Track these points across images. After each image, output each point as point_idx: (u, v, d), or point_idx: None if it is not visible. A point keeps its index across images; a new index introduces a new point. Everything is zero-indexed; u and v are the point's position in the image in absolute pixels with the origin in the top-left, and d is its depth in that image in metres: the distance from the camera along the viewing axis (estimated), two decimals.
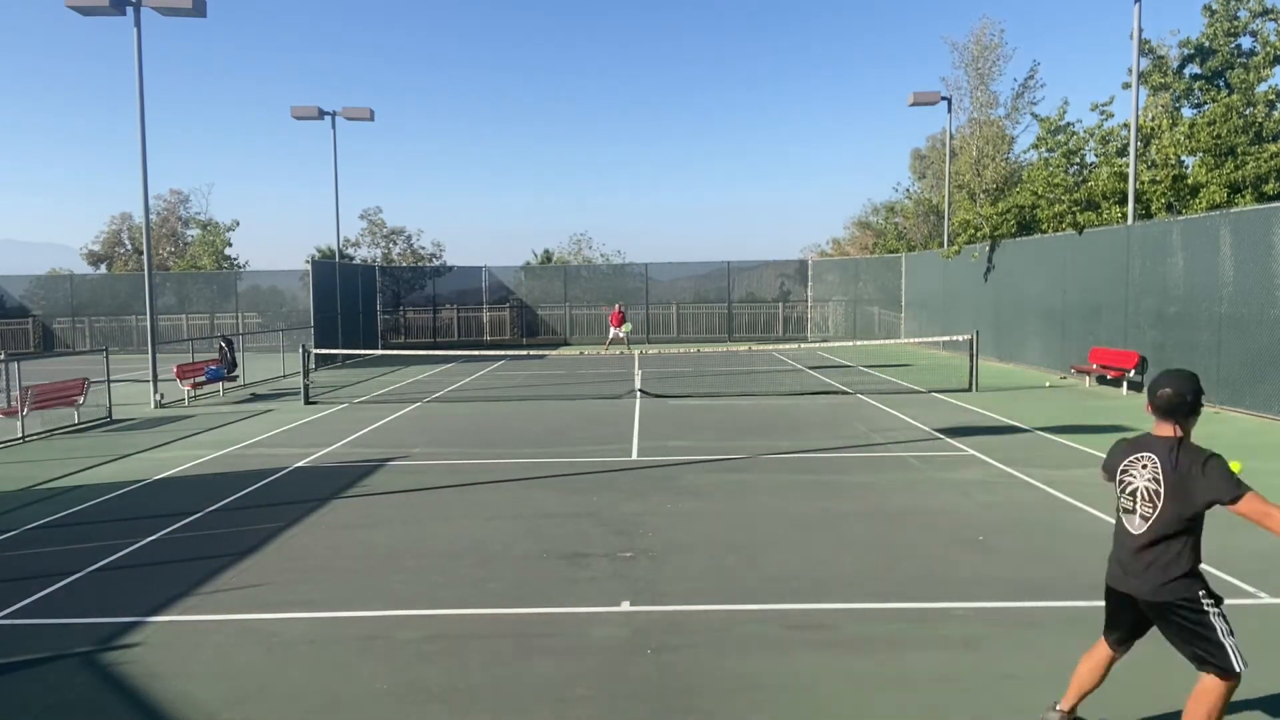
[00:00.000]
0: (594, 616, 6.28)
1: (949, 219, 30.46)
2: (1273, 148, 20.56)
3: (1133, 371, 17.97)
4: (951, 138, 32.00)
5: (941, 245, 31.01)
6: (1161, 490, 4.02)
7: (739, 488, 10.24)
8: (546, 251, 48.87)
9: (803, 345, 30.76)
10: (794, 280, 40.24)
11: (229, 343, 22.06)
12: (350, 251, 45.80)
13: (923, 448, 12.52)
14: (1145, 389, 4.42)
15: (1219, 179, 20.63)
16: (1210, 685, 4.09)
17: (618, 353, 27.34)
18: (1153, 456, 4.09)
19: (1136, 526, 4.12)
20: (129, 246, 49.42)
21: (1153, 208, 21.74)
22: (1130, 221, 19.50)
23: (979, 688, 5.13)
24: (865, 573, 7.17)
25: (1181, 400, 4.05)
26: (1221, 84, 22.95)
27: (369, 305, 35.45)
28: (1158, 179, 21.97)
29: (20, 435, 14.65)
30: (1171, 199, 21.79)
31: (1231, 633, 4.05)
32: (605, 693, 5.13)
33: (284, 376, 24.23)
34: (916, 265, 33.80)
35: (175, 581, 7.19)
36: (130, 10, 17.94)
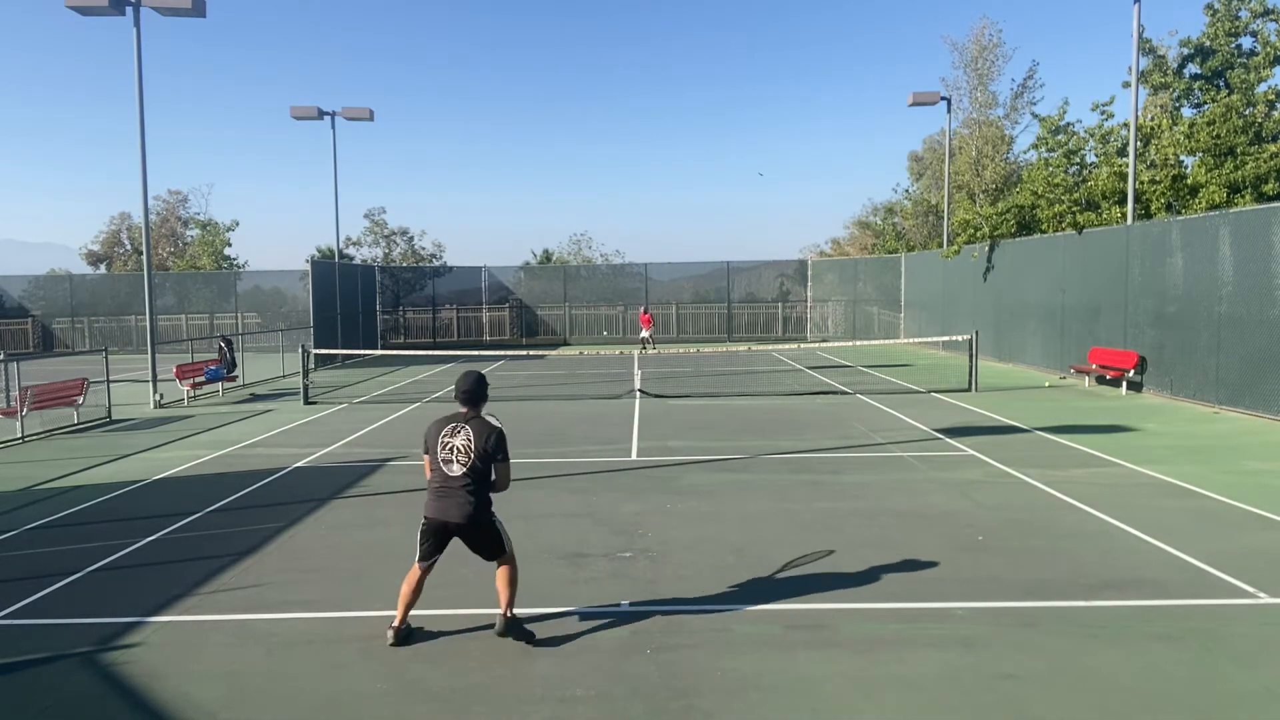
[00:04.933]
0: (594, 616, 6.28)
1: (948, 219, 30.47)
2: (1272, 148, 20.58)
3: (1132, 371, 17.97)
4: (951, 138, 31.99)
5: (941, 245, 31.02)
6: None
7: (739, 488, 10.24)
8: (546, 251, 48.89)
9: (802, 345, 30.76)
10: (793, 280, 40.25)
11: (228, 343, 22.06)
12: (350, 251, 45.83)
13: (923, 448, 12.52)
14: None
15: (1219, 179, 20.64)
16: (506, 565, 5.94)
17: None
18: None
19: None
20: (128, 246, 49.40)
21: (1152, 208, 21.75)
22: (1130, 221, 19.51)
23: (979, 688, 5.13)
24: (865, 573, 7.17)
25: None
26: (1221, 84, 22.97)
27: (369, 305, 35.44)
28: (1157, 179, 21.99)
29: (20, 435, 14.64)
30: (1171, 199, 21.81)
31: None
32: (605, 693, 5.13)
33: (283, 376, 24.22)
34: (916, 265, 33.80)
35: (175, 581, 7.19)
36: (130, 10, 17.94)
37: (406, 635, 5.89)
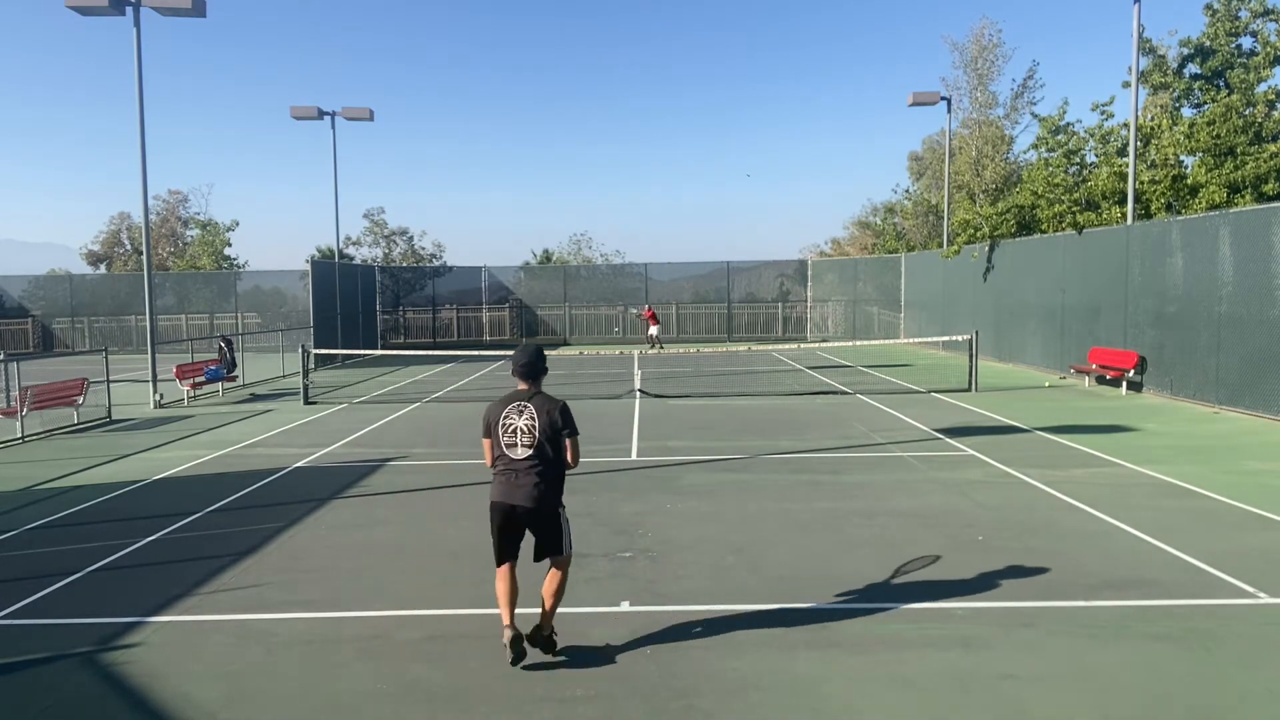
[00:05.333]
0: (594, 616, 6.28)
1: (948, 219, 30.47)
2: (1272, 148, 20.58)
3: (1132, 371, 17.97)
4: (951, 138, 31.99)
5: (941, 245, 31.02)
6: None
7: (739, 488, 10.24)
8: (546, 251, 48.91)
9: (802, 345, 30.75)
10: (793, 280, 40.25)
11: (228, 343, 22.06)
12: (351, 251, 45.83)
13: (923, 448, 12.52)
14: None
15: (1218, 179, 20.64)
16: (560, 568, 5.60)
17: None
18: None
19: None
20: (128, 246, 49.40)
21: (1152, 208, 21.75)
22: (1130, 221, 19.51)
23: (979, 688, 5.13)
24: (865, 573, 7.17)
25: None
26: (1221, 84, 22.97)
27: (369, 305, 35.45)
28: (1157, 179, 21.99)
29: (20, 435, 14.64)
30: (1171, 199, 21.81)
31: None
32: (605, 693, 5.13)
33: (283, 376, 24.22)
34: (916, 265, 33.80)
35: (175, 581, 7.19)
36: (130, 10, 17.94)
37: (520, 636, 5.39)
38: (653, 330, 33.71)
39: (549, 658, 5.56)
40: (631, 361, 21.38)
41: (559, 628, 6.07)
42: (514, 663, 5.34)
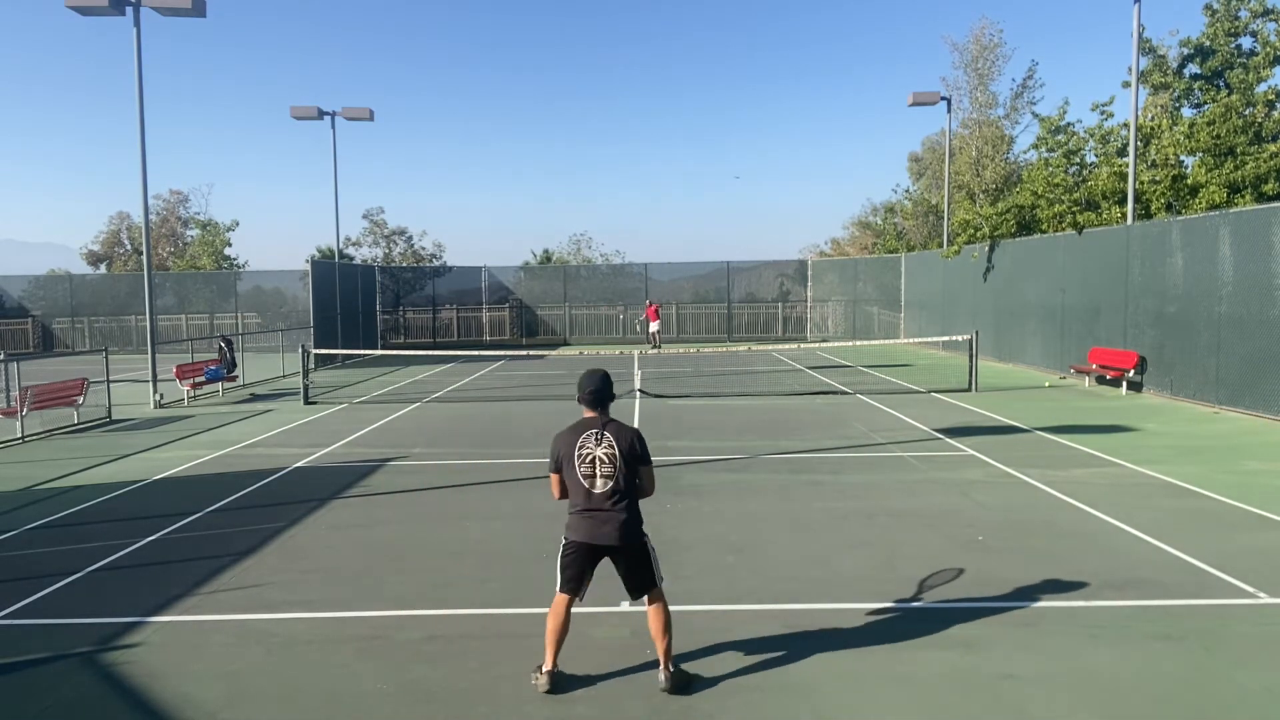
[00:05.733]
0: (594, 616, 6.28)
1: (948, 219, 30.47)
2: (1272, 148, 20.58)
3: (1132, 371, 17.97)
4: (951, 138, 31.99)
5: (941, 245, 31.02)
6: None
7: (739, 488, 10.24)
8: (546, 251, 48.92)
9: (802, 345, 30.76)
10: (793, 280, 40.25)
11: (228, 343, 22.06)
12: (351, 251, 45.83)
13: (923, 448, 12.52)
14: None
15: (1219, 179, 20.64)
16: (658, 601, 5.24)
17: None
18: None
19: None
20: (128, 246, 49.40)
21: (1152, 208, 21.74)
22: (1130, 221, 19.51)
23: (979, 688, 5.13)
24: (865, 573, 7.17)
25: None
26: (1221, 84, 22.96)
27: (369, 305, 35.45)
28: (1157, 179, 21.99)
29: (20, 435, 14.64)
30: (1171, 199, 21.80)
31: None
32: (605, 693, 5.13)
33: (283, 376, 24.22)
34: (916, 265, 33.80)
35: (175, 581, 7.19)
36: (130, 10, 17.94)
37: (559, 680, 5.16)
38: (653, 327, 33.65)
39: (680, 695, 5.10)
40: (632, 361, 21.38)
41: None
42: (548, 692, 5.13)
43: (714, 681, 5.25)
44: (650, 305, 34.78)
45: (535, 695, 5.12)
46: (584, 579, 5.23)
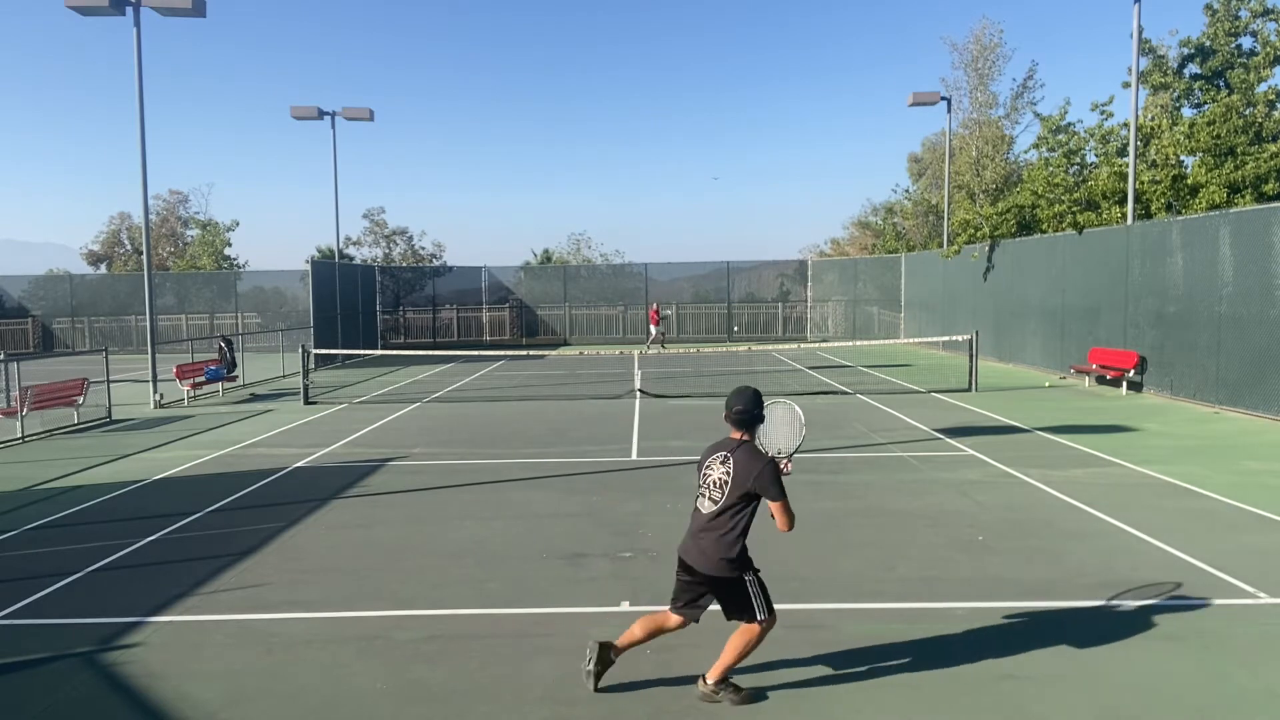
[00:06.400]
0: (594, 616, 6.28)
1: (948, 219, 30.47)
2: (1272, 148, 20.56)
3: (1132, 371, 17.97)
4: (950, 138, 31.99)
5: (941, 245, 31.02)
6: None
7: None
8: (546, 251, 48.93)
9: (802, 345, 30.75)
10: (793, 280, 40.25)
11: (228, 343, 22.05)
12: (351, 251, 45.84)
13: (923, 448, 12.52)
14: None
15: (1219, 179, 20.64)
16: (746, 626, 4.98)
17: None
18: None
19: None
20: (129, 246, 49.40)
21: (1153, 208, 21.74)
22: (1130, 221, 19.51)
23: (979, 688, 5.13)
24: (865, 573, 7.17)
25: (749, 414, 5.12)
26: (1221, 84, 22.96)
27: (369, 305, 35.45)
28: (1158, 179, 21.98)
29: (20, 435, 14.64)
30: (1171, 199, 21.80)
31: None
32: (605, 693, 5.13)
33: (283, 376, 24.22)
34: (916, 265, 33.80)
35: (175, 581, 7.18)
36: (130, 10, 17.94)
37: (606, 662, 5.07)
38: (655, 330, 33.65)
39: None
40: (631, 361, 21.38)
41: (559, 628, 6.07)
42: (591, 679, 5.04)
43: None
44: (653, 308, 34.72)
45: (535, 695, 5.12)
46: (686, 597, 5.02)
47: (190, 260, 45.71)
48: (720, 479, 4.93)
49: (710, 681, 4.98)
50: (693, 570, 4.94)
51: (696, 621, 5.08)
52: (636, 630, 5.11)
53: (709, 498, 4.95)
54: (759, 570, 5.05)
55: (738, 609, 4.95)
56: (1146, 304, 17.83)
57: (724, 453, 5.01)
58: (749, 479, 4.87)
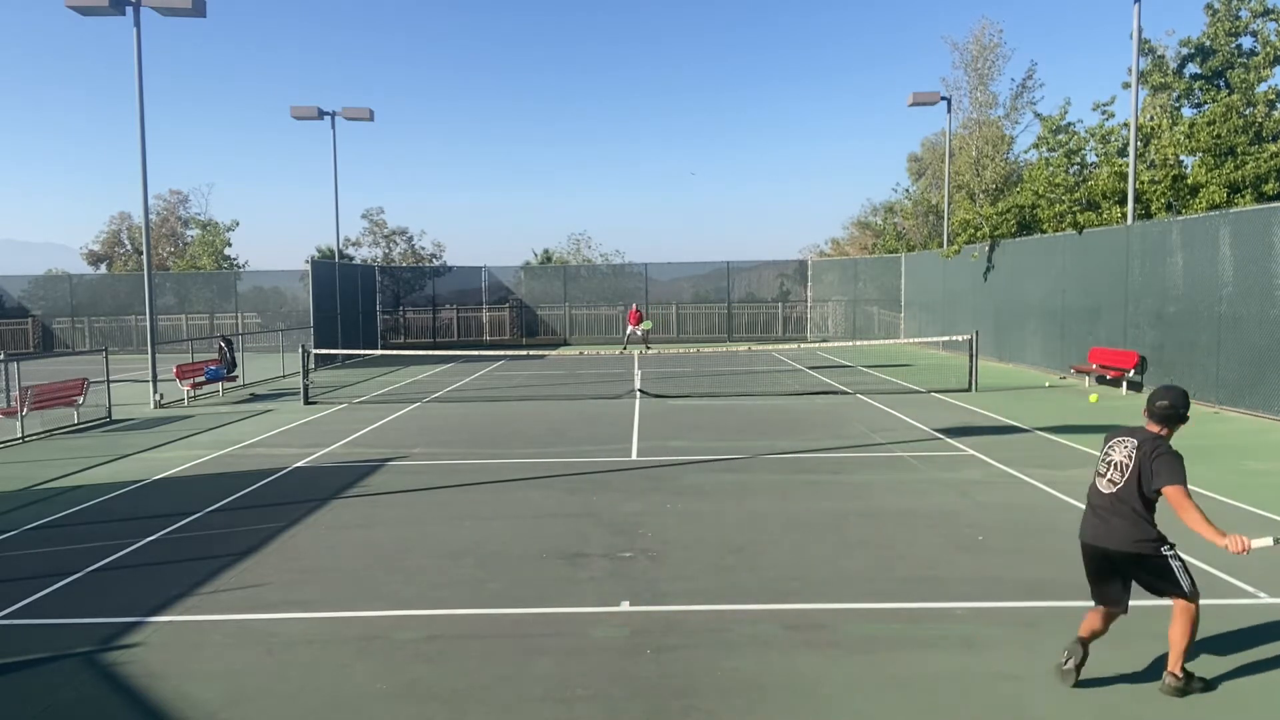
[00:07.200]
0: (594, 616, 6.28)
1: (948, 219, 30.47)
2: (1272, 148, 20.56)
3: (1132, 371, 17.96)
4: (950, 138, 31.99)
5: (941, 245, 31.02)
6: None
7: (739, 488, 10.24)
8: (546, 251, 48.91)
9: (802, 345, 30.75)
10: (793, 280, 40.24)
11: (228, 343, 22.05)
12: (351, 251, 45.83)
13: (923, 448, 12.52)
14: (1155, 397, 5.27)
15: (1219, 179, 20.64)
16: (1180, 607, 4.95)
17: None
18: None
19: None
20: (129, 246, 49.40)
21: (1153, 208, 21.74)
22: (1130, 221, 19.51)
23: (979, 688, 5.13)
24: (865, 573, 7.17)
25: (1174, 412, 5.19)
26: (1222, 84, 22.96)
27: (369, 305, 35.45)
28: (1158, 179, 21.98)
29: (20, 435, 14.64)
30: (1171, 199, 21.80)
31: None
32: (605, 693, 5.13)
33: (283, 376, 24.22)
34: (916, 265, 33.80)
35: (175, 581, 7.19)
36: (130, 10, 17.94)
37: (1082, 658, 5.08)
38: (636, 330, 32.81)
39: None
40: (631, 361, 21.38)
41: (559, 628, 6.07)
42: (1069, 672, 5.07)
43: (714, 681, 5.25)
44: (633, 308, 34.32)
45: (535, 695, 5.12)
46: (1104, 586, 5.06)
47: (190, 260, 45.71)
48: (1122, 459, 5.02)
49: (1174, 672, 5.00)
50: (1097, 550, 5.04)
51: (1125, 612, 5.09)
52: (1083, 628, 5.15)
53: (1109, 478, 5.05)
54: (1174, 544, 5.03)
55: (1158, 586, 4.97)
56: (1146, 304, 17.83)
57: (1127, 437, 5.11)
58: (1147, 463, 4.93)
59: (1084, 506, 5.25)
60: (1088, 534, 5.09)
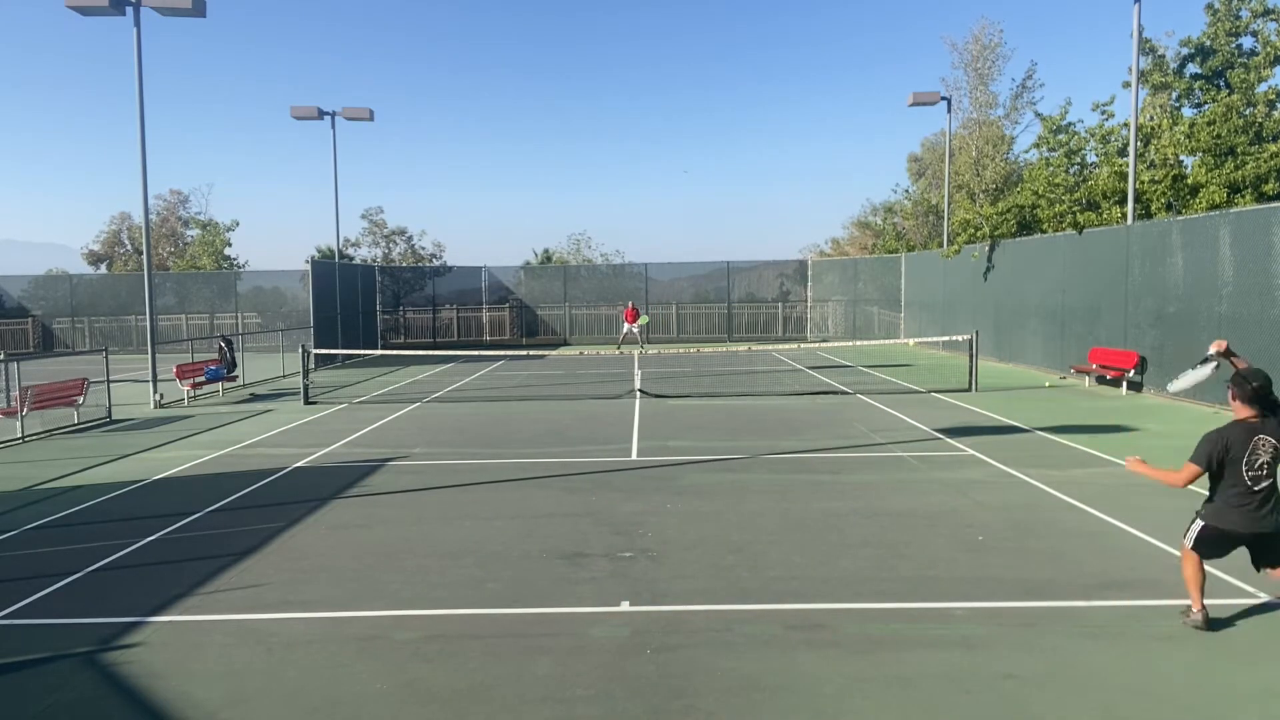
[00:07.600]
0: (594, 616, 6.28)
1: (948, 219, 30.47)
2: (1273, 148, 20.56)
3: (1132, 371, 17.96)
4: (950, 138, 31.99)
5: (941, 245, 31.02)
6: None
7: (739, 488, 10.24)
8: (546, 251, 48.92)
9: (802, 345, 30.75)
10: (793, 280, 40.24)
11: (228, 343, 22.05)
12: (351, 251, 45.84)
13: (923, 448, 12.52)
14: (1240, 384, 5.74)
15: (1219, 179, 20.63)
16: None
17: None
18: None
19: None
20: (129, 246, 49.39)
21: (1153, 208, 21.74)
22: (1130, 221, 19.50)
23: (979, 688, 5.13)
24: (865, 573, 7.17)
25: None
26: (1222, 84, 22.95)
27: (369, 305, 35.45)
28: (1158, 179, 21.98)
29: (20, 435, 14.64)
30: (1171, 199, 21.79)
31: None
32: (605, 693, 5.13)
33: (284, 376, 24.22)
34: (916, 265, 33.80)
35: (175, 581, 7.19)
36: (130, 10, 17.94)
37: (1212, 622, 5.81)
38: (632, 328, 32.78)
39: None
40: (631, 361, 21.39)
41: (559, 628, 6.07)
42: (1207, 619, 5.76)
43: (714, 681, 5.25)
44: (629, 306, 34.28)
45: (535, 695, 5.12)
46: (1221, 553, 5.86)
47: (190, 260, 45.71)
48: (1271, 458, 5.57)
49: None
50: (1247, 536, 5.67)
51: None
52: (1194, 587, 5.84)
53: (1265, 476, 5.57)
54: None
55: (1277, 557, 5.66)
56: (1147, 304, 17.83)
57: (1261, 436, 5.59)
58: None
59: (1221, 510, 5.78)
60: (1242, 526, 5.62)
